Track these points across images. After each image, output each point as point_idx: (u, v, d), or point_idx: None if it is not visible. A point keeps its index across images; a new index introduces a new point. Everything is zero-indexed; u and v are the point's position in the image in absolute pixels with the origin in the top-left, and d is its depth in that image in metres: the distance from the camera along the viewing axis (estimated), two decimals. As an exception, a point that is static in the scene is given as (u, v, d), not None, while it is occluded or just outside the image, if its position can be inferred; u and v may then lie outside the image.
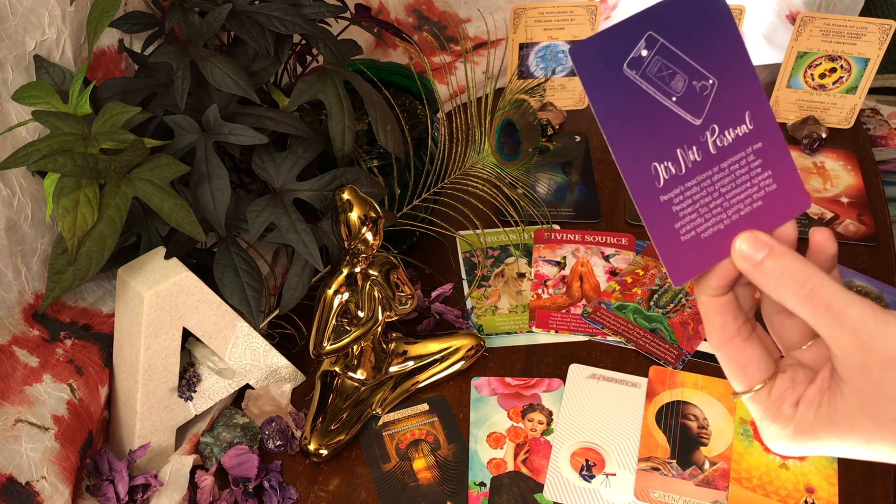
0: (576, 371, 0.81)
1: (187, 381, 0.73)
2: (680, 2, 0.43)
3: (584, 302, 0.88)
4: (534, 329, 0.86)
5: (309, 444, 0.73)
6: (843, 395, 0.42)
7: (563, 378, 0.81)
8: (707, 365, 0.81)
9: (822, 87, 1.05)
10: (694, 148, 0.44)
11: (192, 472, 0.71)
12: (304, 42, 0.81)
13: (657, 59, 0.43)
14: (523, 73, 1.10)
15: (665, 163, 0.44)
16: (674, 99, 0.43)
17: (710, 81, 0.44)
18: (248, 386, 0.78)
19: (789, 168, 0.46)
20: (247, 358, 0.75)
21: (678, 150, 0.44)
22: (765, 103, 0.45)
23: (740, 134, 0.45)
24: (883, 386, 0.41)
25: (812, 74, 1.04)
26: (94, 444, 0.68)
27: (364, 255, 0.72)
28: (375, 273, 0.73)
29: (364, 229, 0.69)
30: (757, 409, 0.46)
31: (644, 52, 0.42)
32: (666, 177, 0.44)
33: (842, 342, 0.41)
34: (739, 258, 0.44)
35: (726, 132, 0.44)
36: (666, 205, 0.44)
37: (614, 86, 0.42)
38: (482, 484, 0.73)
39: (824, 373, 0.44)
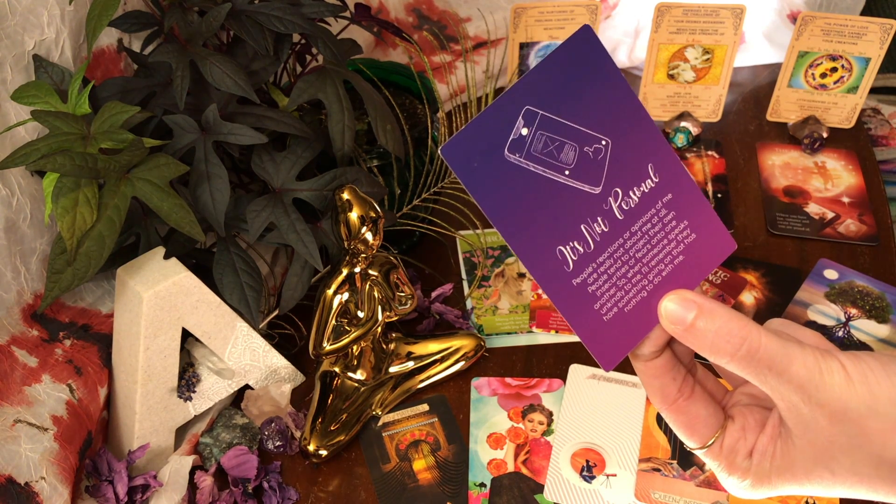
0: (576, 371, 0.81)
1: (186, 381, 0.73)
2: (553, 62, 0.38)
3: (584, 302, 0.88)
4: (534, 329, 0.86)
5: (308, 444, 0.73)
6: (797, 446, 0.41)
7: (564, 378, 0.81)
8: (707, 365, 0.81)
9: (823, 86, 1.05)
10: (599, 219, 0.40)
11: (192, 472, 0.71)
12: (303, 41, 0.81)
13: (540, 134, 0.38)
14: (524, 72, 1.10)
15: (571, 243, 0.40)
16: (567, 172, 0.39)
17: (603, 142, 0.39)
18: (247, 386, 0.78)
19: (706, 213, 0.42)
20: (246, 358, 0.75)
21: (582, 227, 0.40)
22: (667, 150, 0.41)
23: (646, 190, 0.41)
24: (835, 439, 0.39)
25: (813, 74, 1.04)
26: (93, 444, 0.68)
27: (364, 255, 0.72)
28: (375, 273, 0.73)
29: (364, 229, 0.69)
30: (713, 462, 0.44)
31: (524, 131, 0.38)
32: (574, 258, 0.40)
33: (788, 398, 0.39)
34: (668, 323, 0.41)
35: (631, 192, 0.40)
36: (580, 288, 0.40)
37: (499, 177, 0.38)
38: (482, 485, 0.72)
39: (773, 419, 0.42)
